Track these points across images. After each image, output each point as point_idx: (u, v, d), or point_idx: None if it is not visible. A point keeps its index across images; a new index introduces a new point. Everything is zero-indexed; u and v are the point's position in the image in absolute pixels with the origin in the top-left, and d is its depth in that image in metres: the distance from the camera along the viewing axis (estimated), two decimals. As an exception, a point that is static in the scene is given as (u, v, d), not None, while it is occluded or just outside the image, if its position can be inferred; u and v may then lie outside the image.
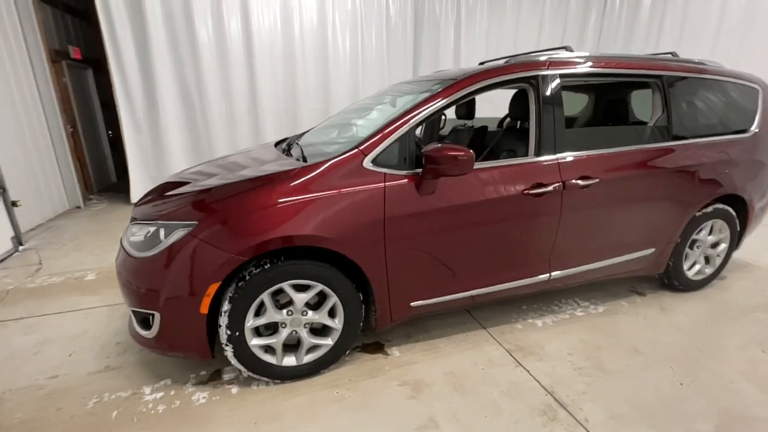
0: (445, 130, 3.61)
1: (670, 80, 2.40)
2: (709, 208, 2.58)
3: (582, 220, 2.20)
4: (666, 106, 2.39)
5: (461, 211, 1.92)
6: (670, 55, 2.69)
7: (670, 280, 2.71)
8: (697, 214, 2.55)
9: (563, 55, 2.24)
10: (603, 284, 2.82)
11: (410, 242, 1.88)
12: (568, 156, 2.12)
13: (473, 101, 3.24)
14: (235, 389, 1.87)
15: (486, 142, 2.99)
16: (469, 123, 3.43)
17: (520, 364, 2.03)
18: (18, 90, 4.17)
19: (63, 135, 4.84)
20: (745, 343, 2.20)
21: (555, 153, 2.10)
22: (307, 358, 1.91)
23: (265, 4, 5.16)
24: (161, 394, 1.84)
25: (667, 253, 2.56)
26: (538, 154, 2.09)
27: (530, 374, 1.95)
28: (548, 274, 2.24)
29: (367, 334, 2.27)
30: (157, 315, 1.69)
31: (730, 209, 2.65)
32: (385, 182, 1.81)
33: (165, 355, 1.97)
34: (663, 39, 6.21)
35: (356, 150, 1.83)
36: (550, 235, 2.15)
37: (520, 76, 2.09)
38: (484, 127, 3.45)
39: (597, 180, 2.13)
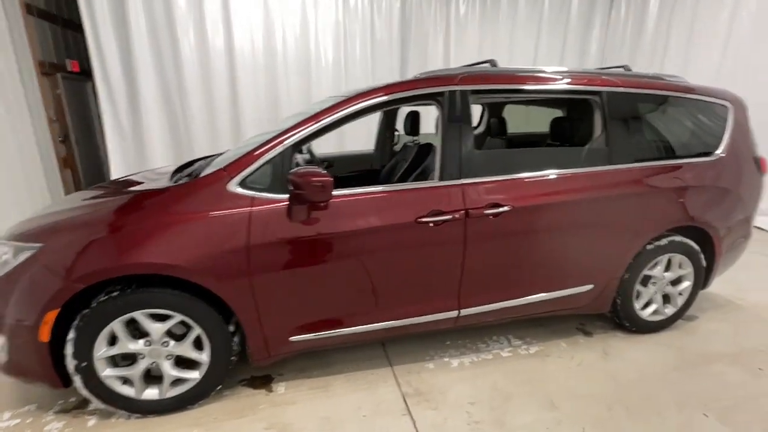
0: (399, 146, 3.45)
1: (611, 97, 2.13)
2: (663, 241, 2.26)
3: (495, 253, 1.97)
4: (605, 126, 2.13)
5: (343, 239, 1.75)
6: (622, 69, 2.43)
7: (620, 320, 2.40)
8: (648, 247, 2.25)
9: (480, 69, 2.04)
10: (548, 320, 2.54)
11: (283, 273, 1.72)
12: (476, 181, 1.90)
13: (417, 115, 3.07)
14: (93, 421, 1.76)
15: (428, 160, 2.81)
16: (417, 139, 3.27)
17: (408, 412, 1.81)
18: (4, 101, 4.37)
19: (51, 145, 5.03)
20: (687, 403, 1.88)
21: (460, 177, 1.89)
22: (172, 392, 1.77)
23: (248, 17, 5.20)
24: (17, 421, 1.75)
25: (611, 290, 2.26)
26: (441, 177, 1.89)
27: (414, 426, 1.73)
28: (457, 311, 2.01)
29: (263, 366, 2.12)
30: (3, 339, 1.62)
31: (692, 242, 2.32)
32: (251, 207, 1.67)
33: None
34: (670, 48, 5.78)
35: (219, 171, 1.71)
36: (454, 269, 1.93)
37: (426, 92, 1.91)
38: (429, 145, 3.27)
39: (508, 208, 1.90)
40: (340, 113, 1.81)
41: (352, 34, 5.62)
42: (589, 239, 2.10)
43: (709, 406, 1.86)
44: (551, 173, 2.02)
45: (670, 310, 2.45)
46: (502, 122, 3.29)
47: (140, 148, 5.28)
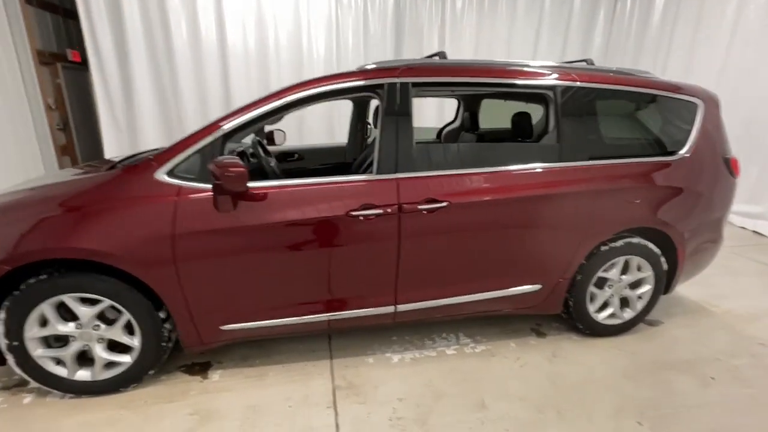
0: (371, 139, 3.42)
1: (565, 92, 2.06)
2: (618, 242, 2.18)
3: (432, 250, 1.94)
4: (557, 122, 2.06)
5: (270, 230, 1.75)
6: (584, 63, 2.34)
7: (574, 322, 2.34)
8: (603, 248, 2.17)
9: (423, 61, 1.99)
10: (502, 320, 2.50)
11: (209, 262, 1.74)
12: (413, 175, 1.87)
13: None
14: (28, 399, 1.82)
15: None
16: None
17: (334, 405, 1.81)
18: (2, 90, 4.52)
19: (48, 133, 5.19)
20: (624, 409, 1.82)
21: (396, 171, 1.86)
22: (105, 375, 1.82)
23: (240, 10, 5.23)
24: (-42, 395, 1.84)
25: (561, 291, 2.20)
26: (378, 171, 1.87)
27: (336, 420, 1.73)
28: (393, 307, 1.99)
29: (205, 352, 2.15)
30: None
31: (651, 245, 2.23)
32: (178, 196, 1.68)
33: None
34: (674, 41, 5.54)
35: (148, 160, 1.72)
36: (389, 264, 1.90)
37: (364, 83, 1.88)
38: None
39: (445, 204, 1.87)
40: (274, 104, 1.80)
41: (345, 28, 5.58)
42: (535, 238, 2.04)
43: (645, 414, 1.80)
44: (496, 169, 1.97)
45: (628, 314, 2.37)
46: (475, 117, 3.23)
47: (134, 138, 5.39)
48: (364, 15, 5.58)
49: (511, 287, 2.12)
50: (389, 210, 1.81)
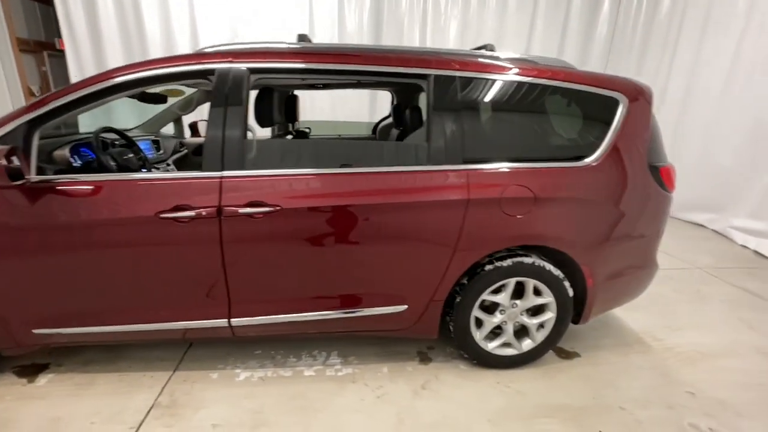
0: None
1: (440, 83, 1.75)
2: (506, 262, 1.86)
3: (266, 260, 1.70)
4: (428, 118, 1.76)
5: (66, 230, 1.58)
6: (484, 50, 2.00)
7: (459, 349, 2.03)
8: (487, 267, 1.86)
9: (263, 45, 1.75)
10: (390, 341, 2.22)
11: (5, 262, 1.60)
12: (240, 175, 1.64)
13: (294, 100, 2.82)
14: None
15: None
16: (299, 126, 3.02)
17: (138, 427, 1.63)
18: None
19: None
20: (467, 464, 1.52)
21: (222, 169, 1.64)
22: None
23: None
24: None
25: (435, 314, 1.90)
26: (204, 168, 1.65)
27: (128, 443, 1.56)
28: (227, 320, 1.78)
29: (52, 352, 2.04)
30: None
31: (550, 267, 1.88)
32: (-28, 188, 1.56)
33: None
34: (683, 33, 4.90)
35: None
36: (213, 273, 1.69)
37: (191, 69, 1.67)
38: (303, 132, 3.00)
39: (275, 208, 1.62)
40: (88, 90, 1.63)
41: (321, 20, 5.36)
42: (392, 253, 1.75)
43: (489, 472, 1.50)
44: (343, 171, 1.70)
45: (527, 345, 2.04)
46: (399, 110, 2.93)
47: (109, 123, 5.45)
48: (339, 6, 5.32)
49: (370, 306, 1.85)
50: (204, 213, 1.60)
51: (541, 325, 2.02)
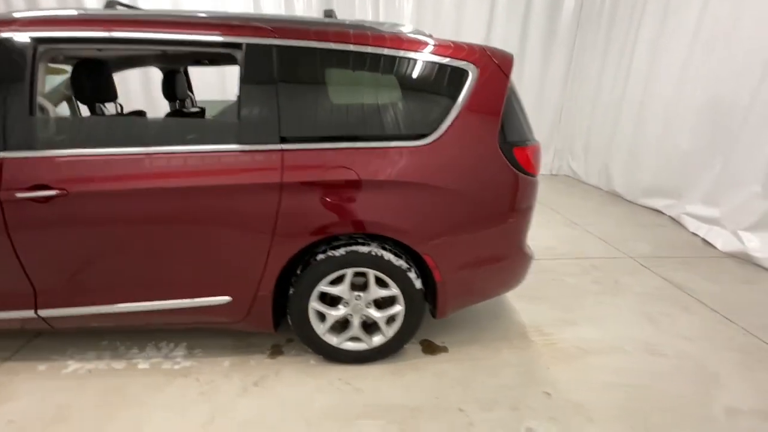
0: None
1: (254, 53, 1.57)
2: (340, 251, 1.70)
3: (61, 247, 1.57)
4: (239, 92, 1.59)
5: None
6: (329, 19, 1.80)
7: (304, 344, 1.90)
8: (320, 257, 1.71)
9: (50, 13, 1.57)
10: (252, 332, 2.11)
11: None
12: (20, 155, 1.50)
13: (173, 76, 2.66)
14: None
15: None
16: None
17: (-72, 420, 1.56)
18: None
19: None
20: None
21: (3, 149, 1.51)
22: None
23: (152, -27, 4.94)
24: None
25: (265, 306, 1.76)
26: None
27: None
28: (33, 311, 1.68)
29: None
30: None
31: (390, 257, 1.72)
32: None
33: None
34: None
35: None
36: (7, 261, 1.58)
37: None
38: (139, 112, 2.87)
39: (59, 192, 1.49)
40: None
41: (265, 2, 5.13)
42: (201, 240, 1.61)
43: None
44: (143, 150, 1.55)
45: (379, 340, 1.90)
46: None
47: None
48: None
49: (190, 297, 1.72)
50: (-18, 196, 1.48)
51: (392, 319, 1.88)
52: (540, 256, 3.22)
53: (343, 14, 5.29)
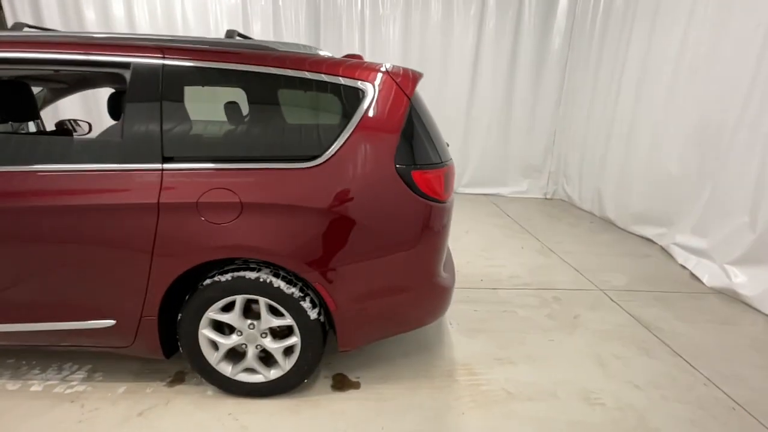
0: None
1: (139, 72, 1.54)
2: (226, 276, 1.62)
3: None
4: (124, 110, 1.56)
5: None
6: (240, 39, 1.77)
7: (197, 374, 1.80)
8: (207, 281, 1.63)
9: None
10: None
11: None
12: None
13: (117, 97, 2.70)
14: None
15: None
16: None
17: None
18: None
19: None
20: None
21: None
22: None
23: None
24: None
25: (151, 332, 1.68)
26: None
27: None
28: None
29: None
30: None
31: (280, 283, 1.62)
32: None
33: None
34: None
35: None
36: None
37: None
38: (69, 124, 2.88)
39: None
40: None
41: (254, 12, 5.29)
42: (78, 260, 1.56)
43: None
44: (29, 168, 1.53)
45: (276, 372, 1.78)
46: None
47: (55, 113, 5.61)
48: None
49: (74, 320, 1.66)
50: None
51: (290, 350, 1.76)
52: (499, 285, 3.02)
53: (330, 40, 5.38)
